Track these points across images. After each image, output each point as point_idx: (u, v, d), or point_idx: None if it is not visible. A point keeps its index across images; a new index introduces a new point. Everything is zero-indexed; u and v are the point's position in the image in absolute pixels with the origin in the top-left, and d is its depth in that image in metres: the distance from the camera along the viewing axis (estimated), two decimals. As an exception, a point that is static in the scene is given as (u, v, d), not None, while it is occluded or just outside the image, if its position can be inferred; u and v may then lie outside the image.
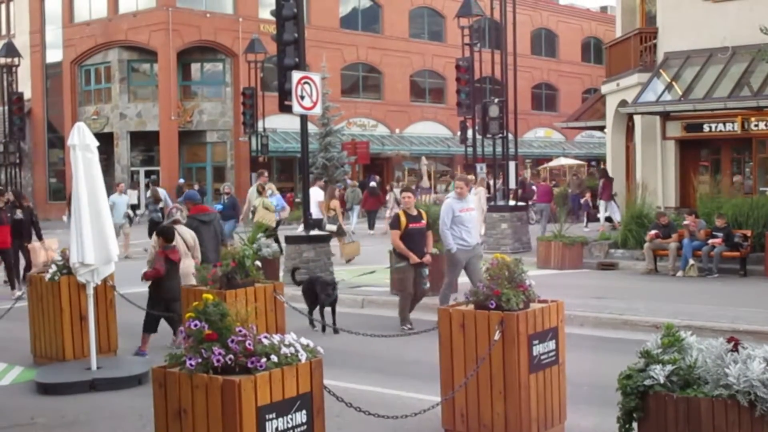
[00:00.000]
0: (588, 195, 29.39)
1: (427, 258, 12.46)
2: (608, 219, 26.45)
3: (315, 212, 20.57)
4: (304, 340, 5.73)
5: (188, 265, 11.40)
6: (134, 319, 13.00)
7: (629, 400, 5.42)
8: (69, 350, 10.55)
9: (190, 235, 11.72)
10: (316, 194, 21.54)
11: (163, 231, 11.15)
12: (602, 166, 34.26)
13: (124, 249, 22.53)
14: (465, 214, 12.53)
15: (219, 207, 22.05)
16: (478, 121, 27.70)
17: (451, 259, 12.66)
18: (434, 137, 53.81)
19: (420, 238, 12.40)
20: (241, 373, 5.32)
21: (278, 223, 21.94)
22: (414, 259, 12.14)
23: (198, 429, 5.40)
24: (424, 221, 12.45)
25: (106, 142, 41.84)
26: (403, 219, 12.28)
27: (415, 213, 12.41)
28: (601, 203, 26.94)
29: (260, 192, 21.36)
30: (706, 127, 24.07)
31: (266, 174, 24.70)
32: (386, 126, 52.40)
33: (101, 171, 9.95)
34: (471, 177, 24.50)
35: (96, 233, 9.56)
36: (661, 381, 5.29)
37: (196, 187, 40.58)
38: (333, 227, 20.50)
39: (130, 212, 23.35)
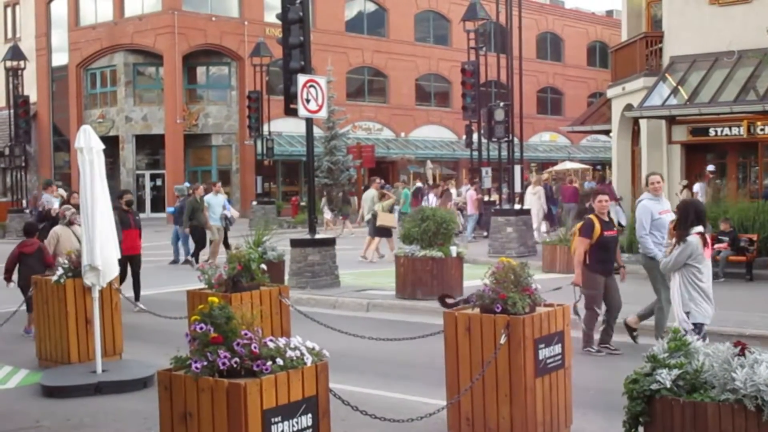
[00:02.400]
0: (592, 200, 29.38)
1: (623, 273, 11.19)
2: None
3: None
4: (309, 344, 5.73)
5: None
6: (139, 322, 13.03)
7: (635, 404, 5.40)
8: (74, 353, 10.54)
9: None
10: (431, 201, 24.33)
11: (24, 227, 13.34)
12: (601, 172, 34.30)
13: (212, 257, 20.95)
14: (665, 217, 10.85)
15: (171, 210, 22.16)
16: (484, 125, 27.71)
17: (655, 267, 10.75)
18: (439, 141, 53.83)
19: (614, 247, 10.89)
20: (247, 377, 5.31)
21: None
22: (577, 280, 10.58)
23: (203, 432, 5.40)
24: (615, 229, 10.98)
25: (111, 145, 41.90)
26: (597, 226, 10.57)
27: (607, 219, 10.80)
28: None
29: (381, 197, 22.67)
30: (712, 132, 24.05)
31: (378, 180, 25.96)
32: (391, 130, 52.43)
33: (106, 174, 10.00)
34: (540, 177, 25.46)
35: (98, 236, 9.59)
36: (668, 385, 5.27)
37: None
38: None
39: (228, 213, 22.54)
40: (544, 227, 26.32)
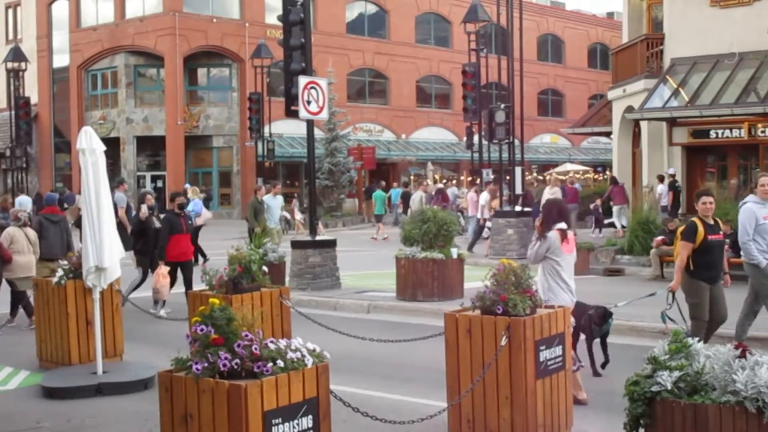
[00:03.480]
0: (598, 201, 29.36)
1: (727, 279, 10.29)
2: (611, 224, 26.49)
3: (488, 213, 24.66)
4: (310, 345, 5.73)
5: (30, 260, 13.32)
6: (140, 324, 13.03)
7: (636, 406, 5.40)
8: (75, 354, 10.54)
9: (33, 234, 13.53)
10: (484, 198, 25.04)
11: None
12: (611, 174, 34.32)
13: None
14: None
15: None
16: (485, 127, 27.69)
17: (760, 275, 10.26)
18: (440, 143, 53.82)
19: (720, 252, 10.07)
20: (248, 378, 5.31)
21: (198, 228, 22.04)
22: (675, 285, 9.90)
23: (204, 433, 5.39)
24: (722, 232, 10.23)
25: (112, 146, 41.87)
26: (700, 229, 9.75)
27: (712, 222, 9.95)
28: (615, 209, 27.00)
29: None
30: (712, 134, 24.04)
31: (427, 183, 26.59)
32: (392, 131, 52.44)
33: (107, 176, 10.00)
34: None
35: (106, 237, 9.61)
36: (669, 387, 5.27)
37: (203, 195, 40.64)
38: (490, 224, 23.49)
39: (287, 215, 21.56)
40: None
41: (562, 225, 8.67)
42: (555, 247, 8.56)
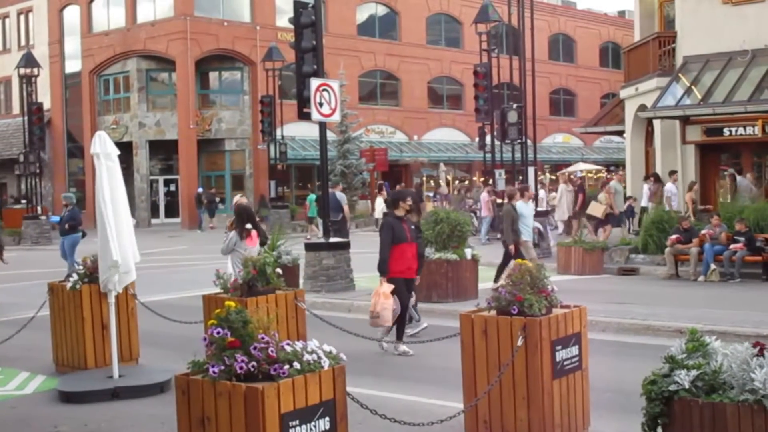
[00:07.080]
0: (631, 200, 29.09)
1: None
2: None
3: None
4: (326, 347, 5.73)
5: None
6: (155, 327, 13.06)
7: (654, 405, 5.37)
8: (91, 359, 10.57)
9: None
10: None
11: None
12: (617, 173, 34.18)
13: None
14: None
15: (55, 219, 20.97)
16: (497, 127, 27.67)
17: None
18: (452, 143, 53.77)
19: None
20: (264, 381, 5.31)
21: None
22: None
23: (221, 436, 5.40)
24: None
25: (125, 151, 41.97)
26: None
27: None
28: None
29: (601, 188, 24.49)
30: (726, 131, 23.91)
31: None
32: (404, 133, 52.41)
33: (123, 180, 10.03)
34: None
35: (123, 240, 9.64)
36: (686, 386, 5.24)
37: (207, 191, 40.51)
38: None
39: (540, 226, 19.36)
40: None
41: (248, 225, 11.85)
42: (240, 242, 11.77)
